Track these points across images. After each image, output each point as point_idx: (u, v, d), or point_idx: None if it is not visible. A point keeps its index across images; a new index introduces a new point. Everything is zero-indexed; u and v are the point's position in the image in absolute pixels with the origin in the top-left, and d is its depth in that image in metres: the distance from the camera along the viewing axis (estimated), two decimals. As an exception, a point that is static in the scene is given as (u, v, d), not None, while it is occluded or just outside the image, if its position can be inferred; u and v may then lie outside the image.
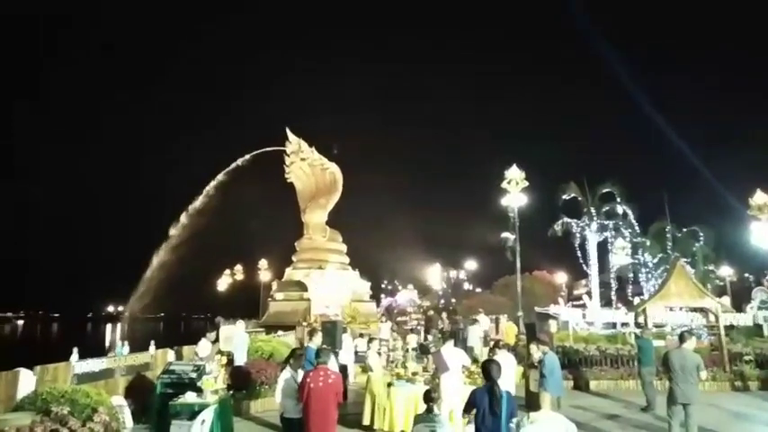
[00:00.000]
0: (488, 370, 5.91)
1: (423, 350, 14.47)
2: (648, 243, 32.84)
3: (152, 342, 10.98)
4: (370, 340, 12.92)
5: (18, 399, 6.93)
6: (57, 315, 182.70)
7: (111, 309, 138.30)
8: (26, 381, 7.26)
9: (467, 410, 5.76)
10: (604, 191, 30.78)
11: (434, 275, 57.15)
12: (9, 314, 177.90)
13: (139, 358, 10.26)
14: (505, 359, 9.28)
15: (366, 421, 9.61)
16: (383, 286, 70.28)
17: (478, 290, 58.83)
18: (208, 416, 7.17)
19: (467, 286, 64.30)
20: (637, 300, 28.88)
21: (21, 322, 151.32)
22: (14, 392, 7.04)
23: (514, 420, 5.77)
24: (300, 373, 7.12)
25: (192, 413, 7.23)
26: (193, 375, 8.40)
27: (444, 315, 27.58)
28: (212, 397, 7.77)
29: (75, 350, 8.56)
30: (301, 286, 27.80)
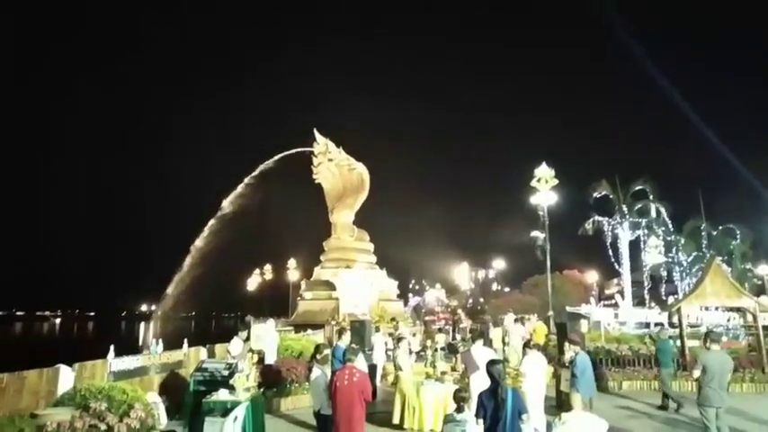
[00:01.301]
0: (492, 372, 5.85)
1: (451, 349, 14.42)
2: (683, 241, 32.14)
3: (185, 340, 11.17)
4: (399, 340, 12.92)
5: (58, 395, 7.13)
6: (92, 314, 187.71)
7: (144, 308, 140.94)
8: (65, 377, 7.47)
9: (478, 414, 5.74)
10: (637, 188, 30.23)
11: (462, 275, 56.81)
12: (47, 313, 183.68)
13: (173, 356, 10.44)
14: (536, 359, 9.20)
15: (396, 420, 9.63)
16: (411, 286, 70.18)
17: (507, 289, 58.34)
18: (240, 413, 7.27)
19: (495, 286, 63.82)
20: (671, 299, 28.25)
21: (58, 321, 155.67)
22: (55, 388, 7.24)
23: (524, 417, 5.72)
24: (329, 369, 7.19)
25: (225, 410, 7.34)
26: (226, 373, 8.52)
27: (464, 314, 27.47)
28: (244, 394, 7.87)
29: (112, 348, 8.75)
30: (330, 285, 27.98)
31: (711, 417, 7.70)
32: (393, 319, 17.07)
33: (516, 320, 18.48)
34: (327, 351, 8.16)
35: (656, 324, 16.55)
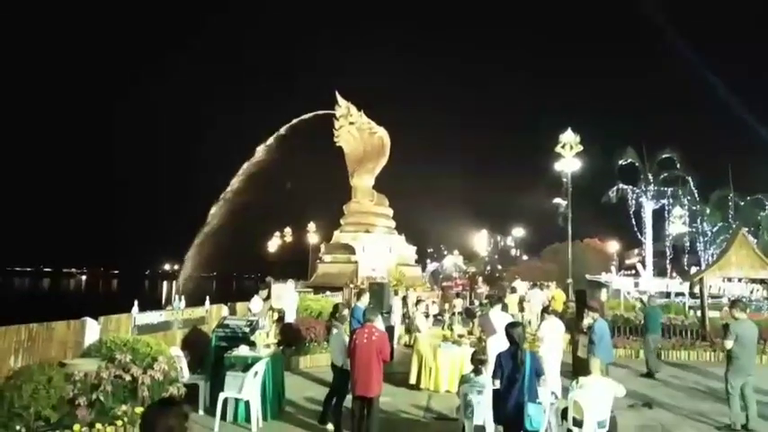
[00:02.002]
0: (511, 334, 5.85)
1: (468, 314, 14.52)
2: (708, 211, 31.56)
3: (207, 297, 11.37)
4: (417, 302, 13.04)
5: (85, 346, 7.34)
6: (116, 272, 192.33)
7: (167, 267, 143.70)
8: (92, 329, 7.66)
9: (495, 375, 5.76)
10: (664, 156, 29.59)
11: (481, 242, 56.61)
12: (73, 270, 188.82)
13: (195, 312, 10.63)
14: (554, 325, 9.19)
15: (413, 380, 9.79)
16: (429, 251, 70.39)
17: (525, 257, 58.21)
18: (260, 368, 7.42)
19: (514, 253, 63.72)
20: (693, 269, 27.92)
21: (84, 278, 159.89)
22: (82, 340, 7.45)
23: (541, 379, 5.73)
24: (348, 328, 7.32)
25: (246, 365, 7.50)
26: (247, 330, 8.67)
27: (481, 280, 27.58)
28: (265, 351, 8.03)
29: (136, 303, 8.93)
30: (349, 249, 28.13)
31: (738, 386, 7.62)
32: (404, 299, 17.14)
33: (534, 286, 18.43)
34: (346, 311, 8.29)
35: (677, 294, 16.41)
